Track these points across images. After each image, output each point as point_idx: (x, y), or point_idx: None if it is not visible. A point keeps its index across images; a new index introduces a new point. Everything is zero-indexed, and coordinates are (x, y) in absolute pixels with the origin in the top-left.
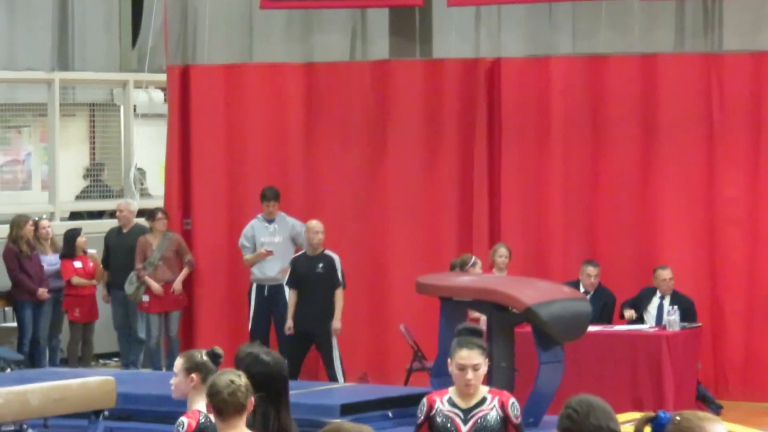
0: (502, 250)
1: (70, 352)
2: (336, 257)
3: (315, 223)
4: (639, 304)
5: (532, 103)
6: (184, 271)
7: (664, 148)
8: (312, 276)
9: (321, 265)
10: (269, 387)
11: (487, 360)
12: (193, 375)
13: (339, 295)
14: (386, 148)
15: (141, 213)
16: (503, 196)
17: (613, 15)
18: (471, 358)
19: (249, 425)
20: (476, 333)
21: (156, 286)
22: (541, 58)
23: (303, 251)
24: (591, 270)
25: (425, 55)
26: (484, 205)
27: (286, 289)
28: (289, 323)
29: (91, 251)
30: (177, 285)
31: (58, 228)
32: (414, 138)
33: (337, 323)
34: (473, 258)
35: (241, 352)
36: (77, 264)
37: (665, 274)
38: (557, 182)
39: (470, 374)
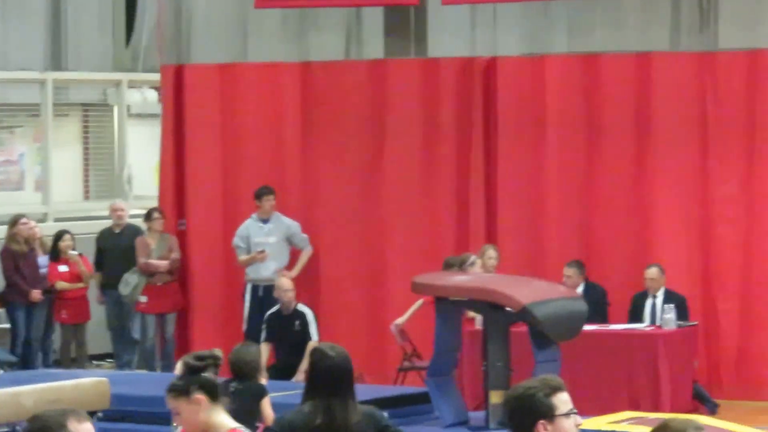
0: (490, 252)
1: (62, 354)
2: (309, 312)
3: (284, 281)
4: (637, 311)
5: (528, 102)
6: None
7: (658, 147)
8: (289, 335)
9: (297, 323)
10: (335, 380)
11: (198, 398)
12: None
13: (310, 347)
14: (383, 146)
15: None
16: (499, 195)
17: (608, 13)
18: (168, 403)
19: (308, 417)
20: (190, 368)
21: (164, 264)
22: (536, 57)
23: (277, 307)
24: (566, 270)
25: (421, 54)
26: (480, 203)
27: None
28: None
29: (72, 253)
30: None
31: (50, 229)
32: (410, 137)
33: (300, 376)
34: (473, 257)
35: (238, 353)
36: (62, 268)
37: (651, 272)
38: (553, 180)
39: (176, 419)
